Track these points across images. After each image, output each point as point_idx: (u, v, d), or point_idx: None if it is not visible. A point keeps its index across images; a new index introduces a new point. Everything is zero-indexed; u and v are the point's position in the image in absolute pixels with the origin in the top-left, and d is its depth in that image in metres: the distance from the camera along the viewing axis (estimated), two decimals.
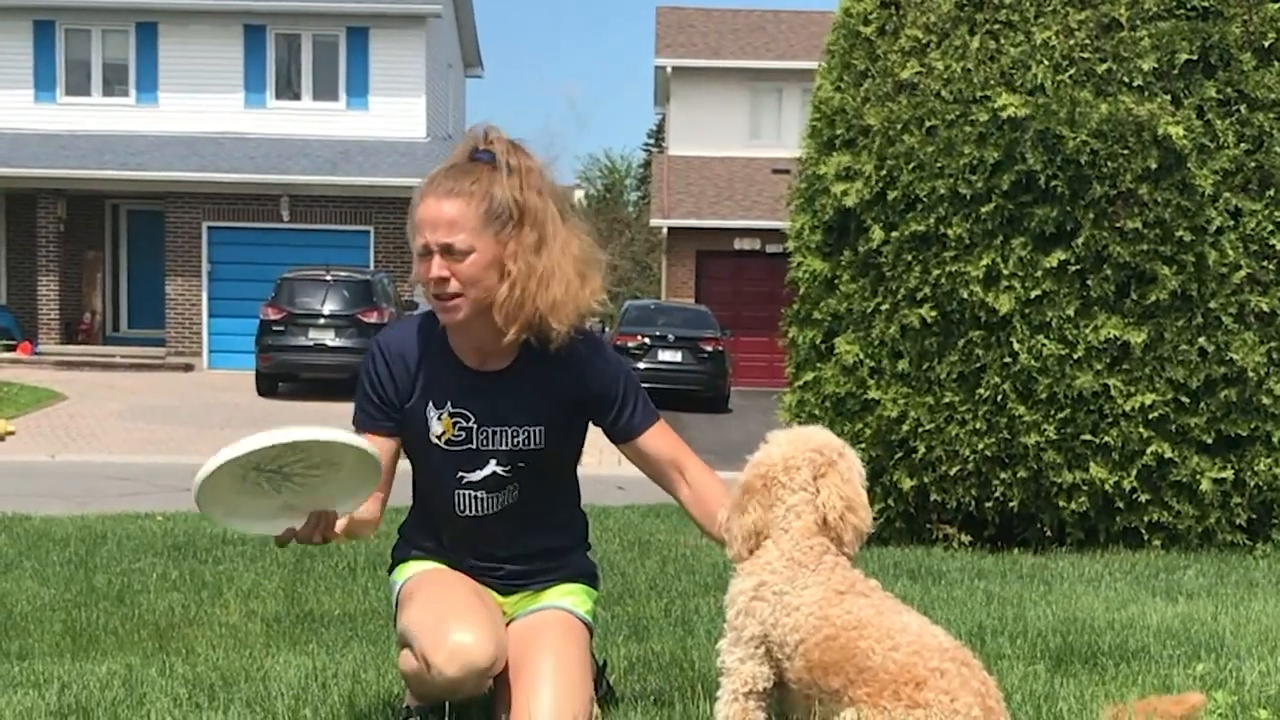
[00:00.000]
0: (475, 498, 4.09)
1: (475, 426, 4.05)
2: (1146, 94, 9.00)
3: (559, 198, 4.06)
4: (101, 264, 34.12)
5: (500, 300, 3.92)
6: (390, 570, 4.33)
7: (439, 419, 4.05)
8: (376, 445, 3.94)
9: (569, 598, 4.22)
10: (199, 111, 33.01)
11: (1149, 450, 8.97)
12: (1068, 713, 3.96)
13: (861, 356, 9.71)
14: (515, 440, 4.06)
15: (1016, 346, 9.09)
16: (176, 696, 4.58)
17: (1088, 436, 9.03)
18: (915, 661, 3.45)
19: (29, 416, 23.73)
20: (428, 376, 4.07)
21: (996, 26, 9.33)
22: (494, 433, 4.05)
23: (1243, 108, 9.03)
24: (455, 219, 3.87)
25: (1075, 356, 9.02)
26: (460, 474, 4.07)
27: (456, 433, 4.05)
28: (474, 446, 4.05)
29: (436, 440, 4.07)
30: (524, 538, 4.17)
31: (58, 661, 5.71)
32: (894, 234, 9.53)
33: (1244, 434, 9.02)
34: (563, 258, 3.97)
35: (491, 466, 4.07)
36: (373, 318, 26.70)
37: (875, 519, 3.84)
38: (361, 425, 4.12)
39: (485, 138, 4.02)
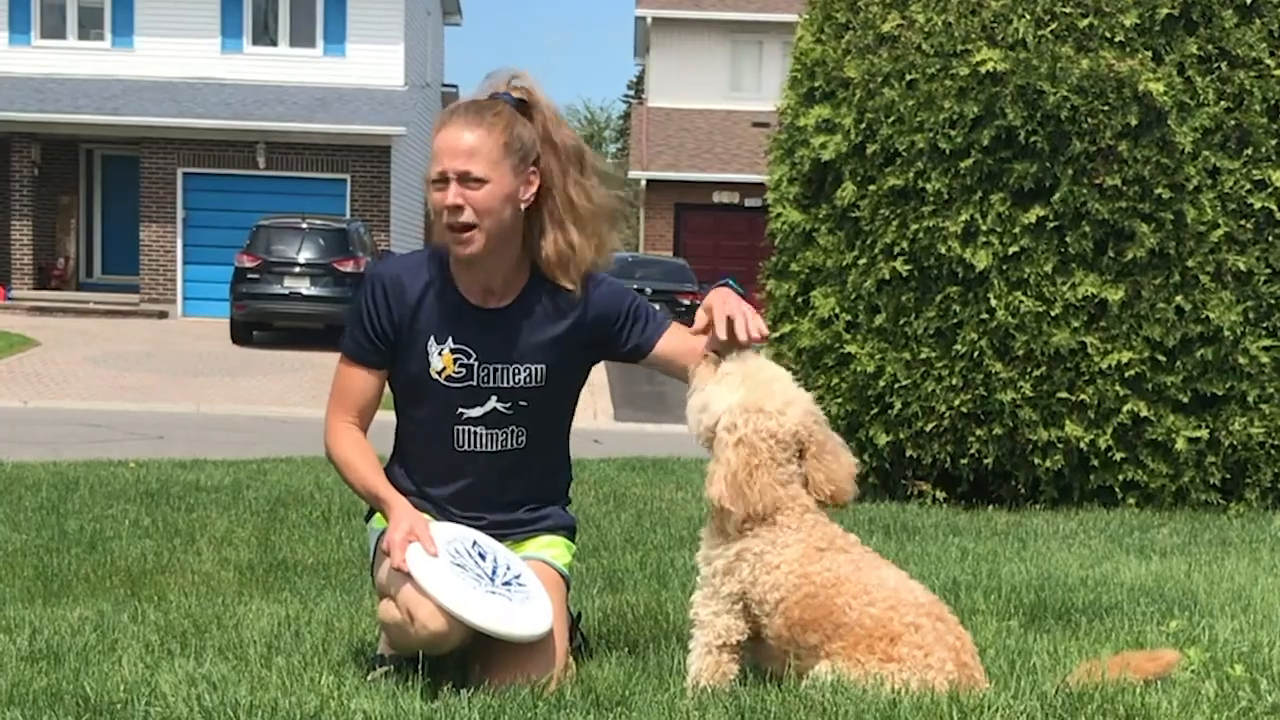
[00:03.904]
0: (475, 433, 4.09)
1: (476, 364, 4.05)
2: (1128, 50, 8.96)
3: (580, 143, 4.14)
4: (75, 209, 33.91)
5: (560, 251, 4.00)
6: (368, 517, 4.31)
7: (439, 354, 4.05)
8: (360, 379, 4.11)
9: (549, 549, 4.23)
10: (175, 56, 32.73)
11: (1125, 408, 8.98)
12: (1041, 668, 3.96)
13: (838, 310, 9.70)
14: (517, 378, 4.07)
15: (994, 303, 9.08)
16: (148, 643, 4.56)
17: (1064, 394, 9.04)
18: (891, 616, 3.46)
19: (1, 362, 23.62)
20: (429, 311, 4.07)
21: None
22: (495, 370, 4.06)
23: (1223, 65, 9.00)
24: (474, 147, 3.91)
25: (1052, 314, 9.01)
26: (460, 410, 4.07)
27: (457, 369, 4.05)
28: (475, 383, 4.06)
29: (436, 376, 4.06)
30: (512, 486, 4.17)
31: (29, 607, 5.69)
32: (872, 188, 9.50)
33: (1219, 393, 9.02)
34: (595, 200, 4.06)
35: (492, 403, 4.07)
36: (348, 266, 26.58)
37: None
38: (350, 354, 4.13)
39: (509, 82, 4.09)
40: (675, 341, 4.18)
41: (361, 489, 4.08)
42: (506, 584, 3.86)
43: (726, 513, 3.67)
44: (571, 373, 4.19)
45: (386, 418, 4.20)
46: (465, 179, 3.91)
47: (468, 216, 3.92)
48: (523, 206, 4.00)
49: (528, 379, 4.08)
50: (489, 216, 3.93)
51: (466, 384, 4.06)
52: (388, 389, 4.21)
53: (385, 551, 3.88)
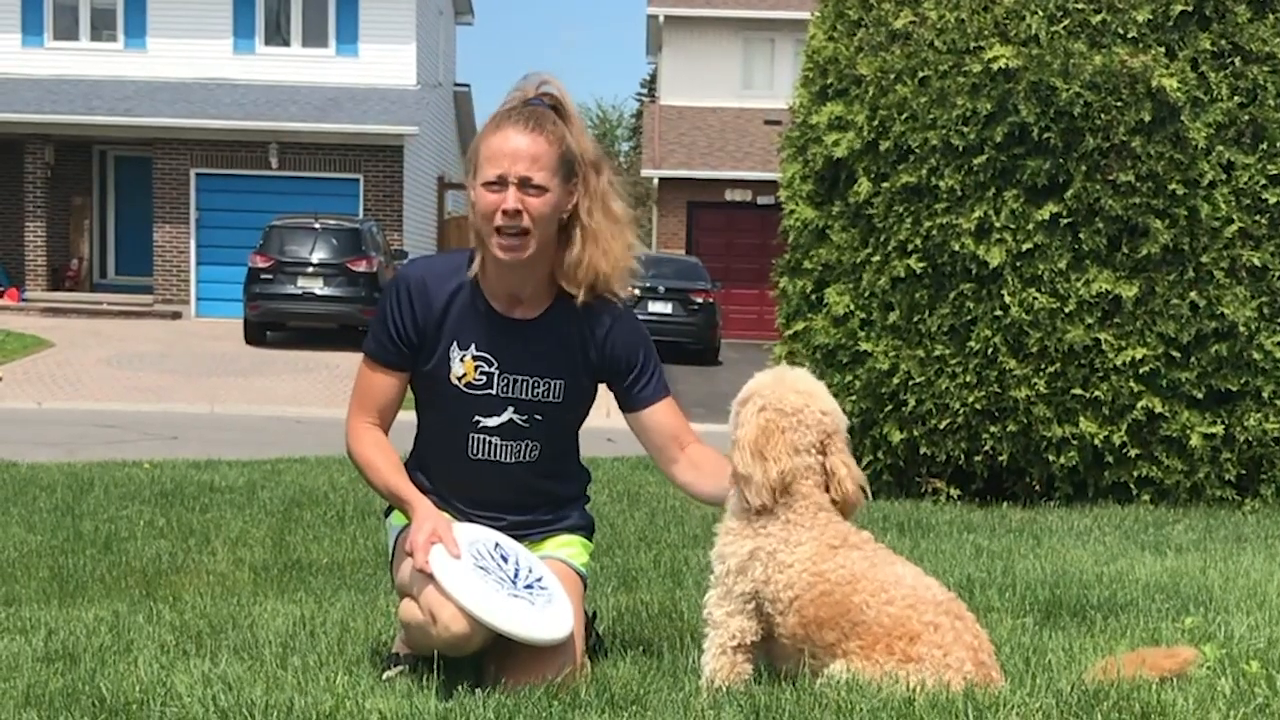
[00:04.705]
0: (490, 443, 4.09)
1: (497, 372, 4.05)
2: (1141, 46, 8.95)
3: (600, 154, 4.13)
4: (89, 210, 33.95)
5: (573, 261, 4.00)
6: (386, 513, 4.31)
7: (461, 360, 4.05)
8: (381, 382, 4.10)
9: (566, 549, 4.23)
10: (188, 57, 32.76)
11: (1139, 405, 8.97)
12: (1057, 665, 3.95)
13: (852, 308, 9.69)
14: (535, 391, 4.07)
15: (1007, 299, 9.07)
16: (164, 643, 4.57)
17: (1078, 390, 9.02)
18: (909, 615, 3.45)
19: (16, 364, 23.67)
20: (455, 316, 4.06)
21: None
22: (515, 381, 4.06)
23: (1237, 60, 8.98)
24: (539, 154, 3.91)
25: (1066, 310, 9.00)
26: (476, 418, 4.07)
27: (478, 376, 4.05)
28: (494, 392, 4.06)
29: (456, 382, 4.06)
30: (530, 489, 4.17)
31: (45, 607, 5.70)
32: (885, 185, 9.49)
33: (1234, 389, 9.01)
34: (620, 214, 4.06)
35: (509, 414, 4.07)
36: (361, 266, 26.60)
37: (864, 471, 3.83)
38: (373, 355, 4.13)
39: (539, 87, 4.07)
40: (663, 417, 4.19)
41: (383, 489, 4.08)
42: (528, 587, 3.86)
43: (747, 480, 3.65)
44: (586, 392, 4.20)
45: (408, 417, 4.21)
46: (526, 184, 3.90)
47: (525, 222, 3.91)
48: (562, 218, 4.00)
49: (545, 393, 4.08)
50: (542, 225, 3.93)
51: (485, 392, 4.06)
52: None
53: (407, 551, 3.87)
